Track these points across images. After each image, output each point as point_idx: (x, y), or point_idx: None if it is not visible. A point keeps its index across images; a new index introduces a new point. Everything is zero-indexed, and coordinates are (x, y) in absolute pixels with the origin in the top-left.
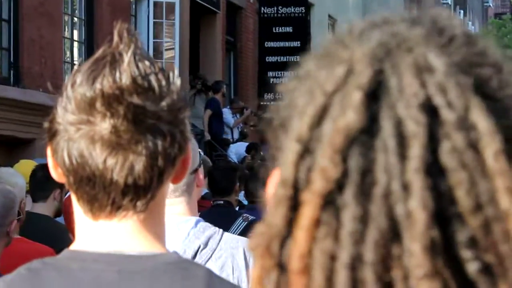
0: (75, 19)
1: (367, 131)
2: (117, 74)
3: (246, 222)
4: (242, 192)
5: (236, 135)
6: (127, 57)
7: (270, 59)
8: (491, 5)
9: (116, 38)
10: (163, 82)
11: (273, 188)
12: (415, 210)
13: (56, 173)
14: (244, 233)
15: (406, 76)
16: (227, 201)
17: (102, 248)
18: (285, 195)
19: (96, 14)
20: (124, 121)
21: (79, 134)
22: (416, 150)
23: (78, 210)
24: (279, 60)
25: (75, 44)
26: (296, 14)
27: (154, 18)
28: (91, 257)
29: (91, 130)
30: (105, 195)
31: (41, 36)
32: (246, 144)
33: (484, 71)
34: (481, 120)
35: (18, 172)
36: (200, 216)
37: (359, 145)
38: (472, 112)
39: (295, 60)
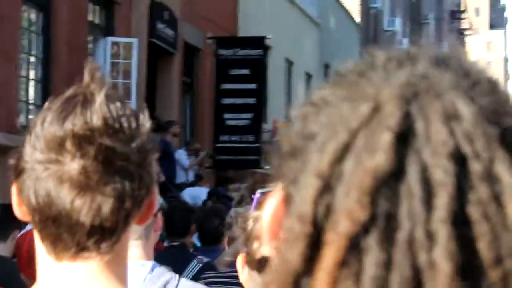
0: (32, 57)
1: (393, 174)
2: (88, 115)
3: (200, 264)
4: (196, 234)
5: (191, 177)
6: (99, 98)
7: (226, 101)
8: None
9: (87, 77)
10: (133, 124)
11: (273, 213)
12: (440, 260)
13: (20, 211)
14: (198, 275)
15: (435, 122)
16: (182, 243)
17: None
18: (304, 232)
19: (53, 53)
20: (94, 162)
21: (47, 173)
22: (443, 200)
23: (41, 250)
24: (235, 102)
25: (31, 83)
26: (254, 56)
27: (111, 58)
28: None
29: (60, 170)
30: (70, 235)
31: None
32: (204, 188)
33: (508, 121)
34: (505, 173)
35: None
36: (154, 257)
37: (386, 188)
38: (497, 164)
39: (252, 102)
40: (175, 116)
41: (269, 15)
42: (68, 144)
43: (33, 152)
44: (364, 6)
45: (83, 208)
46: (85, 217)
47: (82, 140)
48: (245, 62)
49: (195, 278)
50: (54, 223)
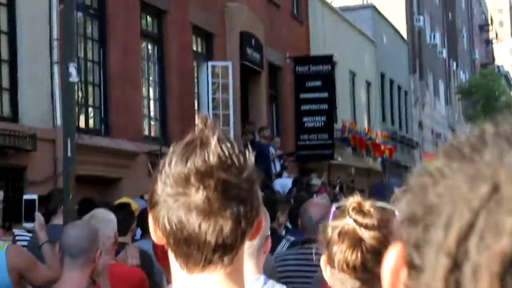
0: (150, 81)
1: None
2: (206, 154)
3: (288, 242)
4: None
5: (278, 167)
6: (213, 140)
7: (304, 107)
8: (477, 57)
9: (200, 125)
10: (242, 159)
11: (392, 267)
12: None
13: (156, 236)
14: (288, 250)
15: None
16: (271, 227)
17: None
18: None
19: (166, 77)
20: (215, 192)
21: (177, 204)
22: None
23: (175, 265)
24: (311, 108)
25: (151, 101)
26: (324, 71)
27: (212, 79)
28: None
29: (187, 200)
30: (199, 253)
31: (125, 96)
32: (290, 179)
33: None
34: None
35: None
36: None
37: (511, 269)
38: None
39: (324, 108)
40: (264, 121)
41: (334, 37)
42: (192, 179)
43: (164, 187)
44: (409, 25)
45: (209, 230)
46: (211, 237)
47: (203, 175)
48: (318, 75)
49: (286, 252)
50: (185, 244)
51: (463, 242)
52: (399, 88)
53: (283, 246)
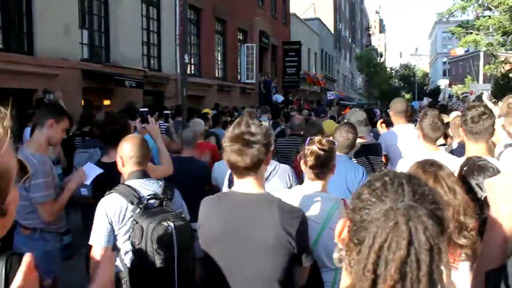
0: (219, 52)
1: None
2: (243, 127)
3: (280, 128)
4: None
5: (274, 91)
6: (244, 122)
7: (287, 64)
8: (364, 42)
9: (245, 115)
10: (258, 129)
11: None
12: None
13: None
14: (281, 138)
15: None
16: (276, 122)
17: (245, 191)
18: None
19: (226, 52)
20: (249, 141)
21: (233, 148)
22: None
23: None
24: (289, 65)
25: (219, 62)
26: (296, 49)
27: (246, 53)
28: (241, 196)
29: (240, 146)
30: (246, 169)
31: (206, 59)
32: (281, 96)
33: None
34: None
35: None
36: None
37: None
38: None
39: (295, 64)
40: (269, 70)
41: (301, 33)
42: (243, 137)
43: (226, 143)
44: (335, 27)
45: (254, 159)
46: (254, 161)
47: (246, 137)
48: (293, 50)
49: (280, 139)
50: (244, 168)
51: (382, 248)
52: (329, 56)
53: (277, 131)
